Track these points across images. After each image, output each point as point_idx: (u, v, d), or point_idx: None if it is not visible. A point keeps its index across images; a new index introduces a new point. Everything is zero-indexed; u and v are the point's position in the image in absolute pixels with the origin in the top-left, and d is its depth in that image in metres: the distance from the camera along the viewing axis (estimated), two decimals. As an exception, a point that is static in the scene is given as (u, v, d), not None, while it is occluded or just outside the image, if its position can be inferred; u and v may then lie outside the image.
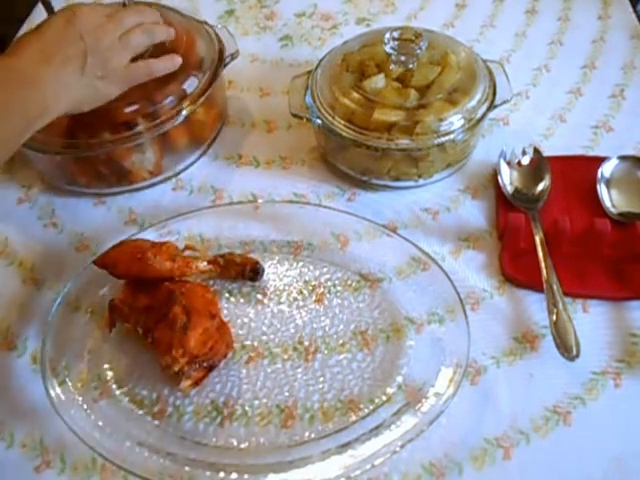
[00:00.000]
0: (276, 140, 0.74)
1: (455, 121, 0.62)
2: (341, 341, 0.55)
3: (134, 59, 0.61)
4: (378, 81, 0.64)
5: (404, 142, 0.62)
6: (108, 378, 0.54)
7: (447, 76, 0.64)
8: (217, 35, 0.72)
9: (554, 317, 0.54)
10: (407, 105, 0.62)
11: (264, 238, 0.62)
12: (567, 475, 0.48)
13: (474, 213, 0.65)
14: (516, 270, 0.59)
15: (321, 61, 0.70)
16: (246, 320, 0.57)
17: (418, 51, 0.64)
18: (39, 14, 0.70)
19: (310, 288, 0.59)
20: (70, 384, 0.52)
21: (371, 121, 0.62)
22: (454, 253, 0.61)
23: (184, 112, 0.65)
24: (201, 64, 0.68)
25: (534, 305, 0.57)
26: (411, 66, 0.64)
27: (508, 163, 0.66)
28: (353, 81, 0.65)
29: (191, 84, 0.66)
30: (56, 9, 0.68)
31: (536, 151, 0.66)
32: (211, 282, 0.60)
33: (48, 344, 0.53)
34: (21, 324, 0.58)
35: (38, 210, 0.68)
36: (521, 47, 0.84)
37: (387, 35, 0.65)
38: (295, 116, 0.66)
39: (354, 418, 0.51)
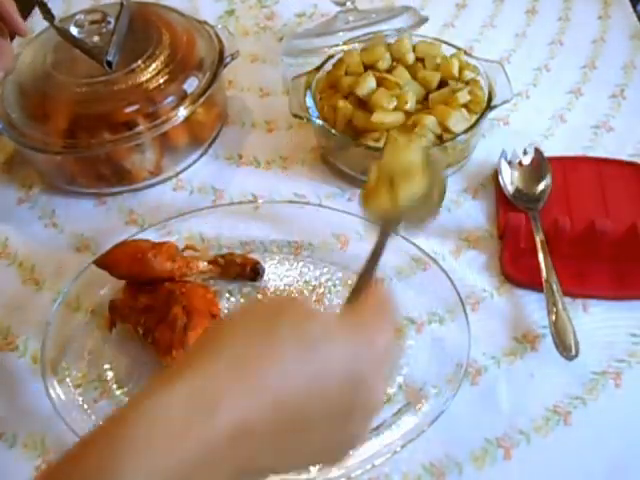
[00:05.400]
0: (276, 140, 0.74)
1: (455, 123, 0.62)
2: (341, 341, 0.55)
3: None
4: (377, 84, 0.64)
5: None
6: (108, 378, 0.54)
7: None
8: (217, 35, 0.72)
9: (554, 317, 0.54)
10: (406, 108, 0.63)
11: (264, 238, 0.62)
12: (567, 475, 0.48)
13: (474, 213, 0.65)
14: (516, 270, 0.59)
15: (322, 65, 0.70)
16: (246, 320, 0.57)
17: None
18: (39, 14, 0.69)
19: (310, 288, 0.59)
20: (70, 384, 0.52)
21: (370, 123, 0.62)
22: (454, 253, 0.61)
23: (184, 112, 0.65)
24: (201, 64, 0.68)
25: (534, 305, 0.57)
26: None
27: (509, 163, 0.66)
28: (352, 84, 0.65)
29: (191, 84, 0.66)
30: (53, 11, 0.68)
31: (537, 151, 0.66)
32: (211, 282, 0.60)
33: (48, 344, 0.53)
34: (21, 324, 0.58)
35: (38, 210, 0.68)
36: (521, 47, 0.83)
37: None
38: (295, 116, 0.66)
39: (354, 418, 0.51)
